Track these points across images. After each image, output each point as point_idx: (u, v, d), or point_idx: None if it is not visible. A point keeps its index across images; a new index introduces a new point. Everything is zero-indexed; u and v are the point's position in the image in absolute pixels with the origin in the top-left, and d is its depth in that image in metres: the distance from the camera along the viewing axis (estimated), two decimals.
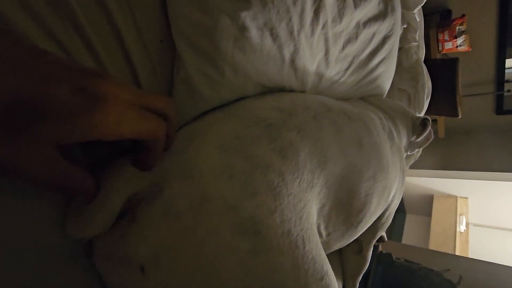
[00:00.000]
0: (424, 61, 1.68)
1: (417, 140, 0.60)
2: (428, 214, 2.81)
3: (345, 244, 0.43)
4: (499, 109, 2.10)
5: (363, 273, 0.57)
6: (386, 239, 0.81)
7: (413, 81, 0.75)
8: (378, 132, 0.40)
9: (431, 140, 0.63)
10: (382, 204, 0.40)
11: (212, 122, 0.27)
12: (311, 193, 0.28)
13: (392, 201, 0.47)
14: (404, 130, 0.57)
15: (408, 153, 0.63)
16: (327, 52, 0.36)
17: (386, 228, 0.54)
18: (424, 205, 2.92)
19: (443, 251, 2.46)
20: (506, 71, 2.03)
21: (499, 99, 2.07)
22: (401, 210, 3.19)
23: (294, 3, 0.28)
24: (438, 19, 1.80)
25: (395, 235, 3.06)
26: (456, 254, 2.44)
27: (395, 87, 0.75)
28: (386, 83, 0.60)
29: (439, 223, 2.65)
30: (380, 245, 1.22)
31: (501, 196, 2.48)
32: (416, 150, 0.65)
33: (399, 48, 0.79)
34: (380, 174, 0.37)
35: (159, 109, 0.19)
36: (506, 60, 2.00)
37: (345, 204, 0.33)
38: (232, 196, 0.22)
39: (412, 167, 2.30)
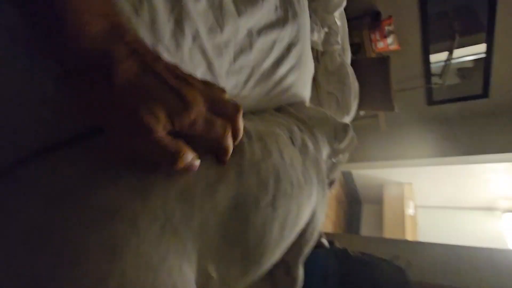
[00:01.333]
0: (359, 61, 1.77)
1: (341, 146, 0.59)
2: (381, 202, 3.00)
3: (255, 279, 0.38)
4: (430, 100, 2.31)
5: None
6: (327, 245, 0.80)
7: (340, 83, 0.75)
8: (282, 151, 0.36)
9: (354, 144, 0.63)
10: (288, 229, 0.36)
11: None
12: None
13: (312, 218, 0.44)
14: (325, 138, 0.55)
15: (334, 160, 0.61)
16: (210, 65, 0.32)
17: (312, 244, 0.51)
18: (376, 194, 3.11)
19: (395, 235, 2.63)
20: (432, 65, 2.24)
21: (429, 92, 2.27)
22: (357, 201, 3.36)
23: (137, 13, 0.23)
24: (369, 21, 1.91)
25: (353, 226, 3.20)
26: (406, 237, 2.62)
27: (324, 90, 0.74)
28: (304, 91, 0.57)
29: (390, 210, 2.83)
30: (336, 241, 1.24)
31: (441, 178, 2.73)
32: (341, 155, 0.64)
33: (323, 53, 0.79)
34: (281, 199, 0.33)
35: (228, 114, 0.25)
36: (430, 55, 2.20)
37: (238, 237, 0.29)
38: None
39: (360, 160, 2.43)
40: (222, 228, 0.27)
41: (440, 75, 2.20)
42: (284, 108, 0.54)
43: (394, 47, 1.88)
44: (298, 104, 0.57)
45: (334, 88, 0.75)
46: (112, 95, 0.19)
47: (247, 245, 0.30)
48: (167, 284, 0.21)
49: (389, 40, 1.81)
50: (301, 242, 0.47)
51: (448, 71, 2.13)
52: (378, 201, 3.11)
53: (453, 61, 2.11)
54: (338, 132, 0.58)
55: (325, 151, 0.57)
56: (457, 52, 2.11)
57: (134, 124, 0.19)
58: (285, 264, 0.50)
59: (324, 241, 0.94)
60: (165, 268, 0.21)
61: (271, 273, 0.54)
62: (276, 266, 0.52)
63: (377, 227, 2.99)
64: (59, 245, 0.19)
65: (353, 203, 3.39)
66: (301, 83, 0.54)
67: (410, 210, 2.86)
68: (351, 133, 0.59)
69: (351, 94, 0.78)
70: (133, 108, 0.19)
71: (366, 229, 3.13)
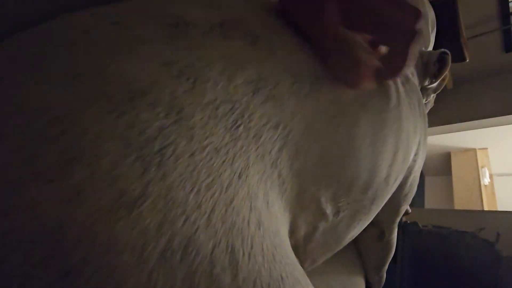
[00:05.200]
0: None
1: (432, 84, 0.47)
2: (448, 173, 2.66)
3: (358, 233, 0.30)
4: (508, 46, 1.92)
5: (389, 262, 0.44)
6: (410, 211, 0.68)
7: None
8: None
9: (447, 80, 0.49)
10: (398, 164, 0.26)
11: None
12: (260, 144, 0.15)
13: (415, 160, 0.34)
14: (414, 71, 0.43)
15: (425, 101, 0.49)
16: None
17: (411, 199, 0.40)
18: (442, 164, 2.77)
19: (471, 208, 2.32)
20: (510, 4, 1.84)
21: (507, 35, 1.88)
22: None
23: None
24: None
25: (416, 201, 2.92)
26: (485, 209, 2.29)
27: None
28: None
29: (461, 180, 2.50)
30: (403, 217, 1.09)
31: None
32: (432, 96, 0.51)
33: None
34: (385, 112, 0.23)
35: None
36: None
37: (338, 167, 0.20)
38: None
39: None
40: (320, 149, 0.18)
41: None
42: None
43: None
44: None
45: None
46: None
47: (355, 182, 0.22)
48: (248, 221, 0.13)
49: None
50: (399, 196, 0.37)
51: None
52: (444, 172, 2.77)
53: None
54: (430, 65, 0.45)
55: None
56: None
57: None
58: (378, 227, 0.41)
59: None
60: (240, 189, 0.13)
61: (358, 239, 0.45)
62: (364, 231, 0.42)
63: (446, 201, 2.68)
64: None
65: None
66: None
67: (485, 180, 2.49)
68: (449, 65, 0.45)
69: (428, 23, 0.62)
70: None
71: (431, 204, 2.83)
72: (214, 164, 0.12)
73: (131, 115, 0.11)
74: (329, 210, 0.20)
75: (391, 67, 0.20)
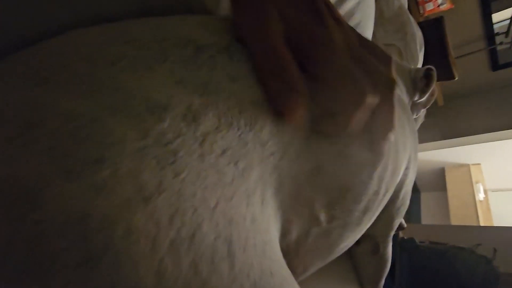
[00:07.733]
0: None
1: (422, 99, 0.48)
2: (443, 188, 2.67)
3: (350, 245, 0.30)
4: (495, 65, 1.99)
5: (385, 276, 0.43)
6: (405, 226, 0.68)
7: (400, 32, 0.63)
8: None
9: (435, 95, 0.51)
10: (387, 178, 0.27)
11: None
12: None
13: (406, 174, 0.34)
14: (403, 87, 0.45)
15: (415, 116, 0.50)
16: None
17: (404, 213, 0.41)
18: (437, 180, 2.78)
19: (467, 224, 2.32)
20: (494, 25, 1.93)
21: (493, 54, 1.96)
22: (414, 190, 3.03)
23: None
24: None
25: (413, 217, 2.90)
26: (481, 225, 2.29)
27: (379, 43, 0.63)
28: (369, 34, 0.48)
29: (456, 196, 2.51)
30: (399, 232, 1.09)
31: None
32: (422, 110, 0.53)
33: None
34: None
35: None
36: (492, 15, 1.90)
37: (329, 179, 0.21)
38: None
39: None
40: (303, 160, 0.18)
41: (506, 33, 1.88)
42: None
43: (446, 6, 1.64)
44: None
45: (393, 39, 0.63)
46: None
47: (346, 195, 0.22)
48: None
49: None
50: (392, 210, 0.37)
51: None
52: (439, 188, 2.78)
53: None
54: (417, 80, 0.46)
55: (406, 100, 0.46)
56: None
57: None
58: (372, 241, 0.41)
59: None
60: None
61: (353, 254, 0.45)
62: (358, 246, 0.42)
63: (442, 217, 2.67)
64: None
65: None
66: (368, 23, 0.44)
67: (480, 195, 2.50)
68: (435, 80, 0.47)
69: (416, 42, 0.65)
70: None
71: (428, 220, 2.82)
72: (220, 165, 0.13)
73: (149, 124, 0.12)
74: (322, 216, 0.20)
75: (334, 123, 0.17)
